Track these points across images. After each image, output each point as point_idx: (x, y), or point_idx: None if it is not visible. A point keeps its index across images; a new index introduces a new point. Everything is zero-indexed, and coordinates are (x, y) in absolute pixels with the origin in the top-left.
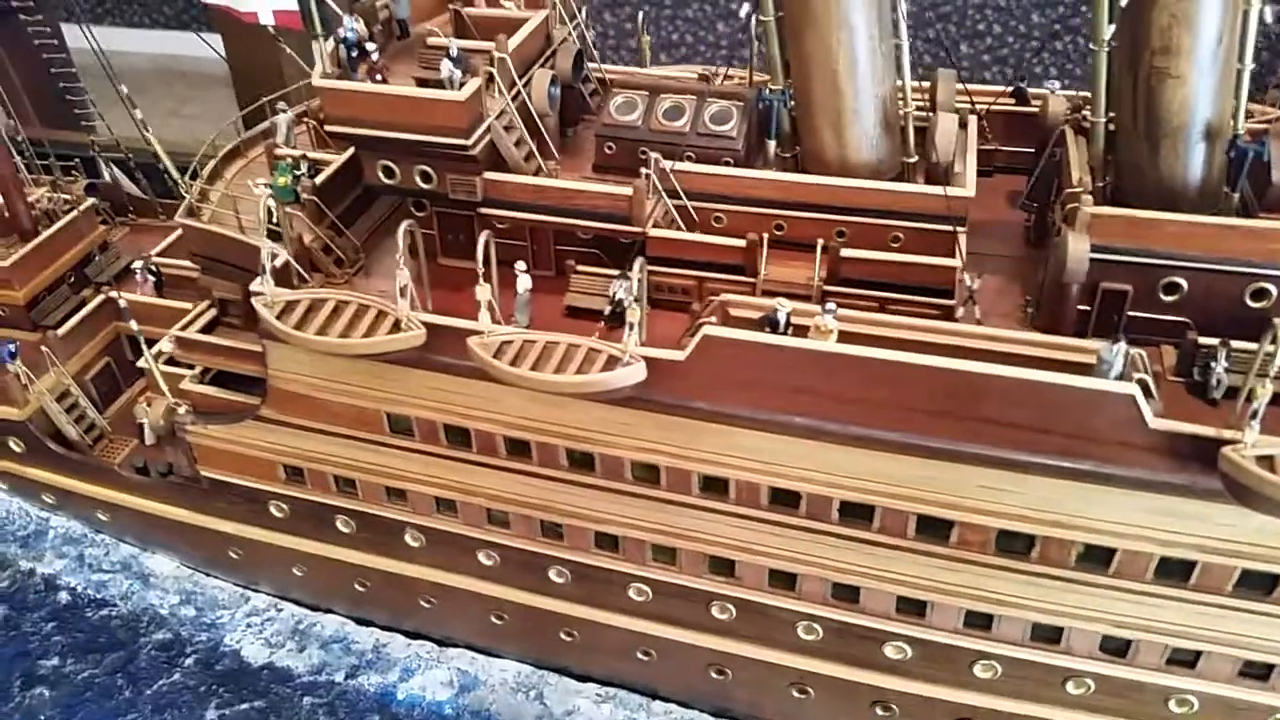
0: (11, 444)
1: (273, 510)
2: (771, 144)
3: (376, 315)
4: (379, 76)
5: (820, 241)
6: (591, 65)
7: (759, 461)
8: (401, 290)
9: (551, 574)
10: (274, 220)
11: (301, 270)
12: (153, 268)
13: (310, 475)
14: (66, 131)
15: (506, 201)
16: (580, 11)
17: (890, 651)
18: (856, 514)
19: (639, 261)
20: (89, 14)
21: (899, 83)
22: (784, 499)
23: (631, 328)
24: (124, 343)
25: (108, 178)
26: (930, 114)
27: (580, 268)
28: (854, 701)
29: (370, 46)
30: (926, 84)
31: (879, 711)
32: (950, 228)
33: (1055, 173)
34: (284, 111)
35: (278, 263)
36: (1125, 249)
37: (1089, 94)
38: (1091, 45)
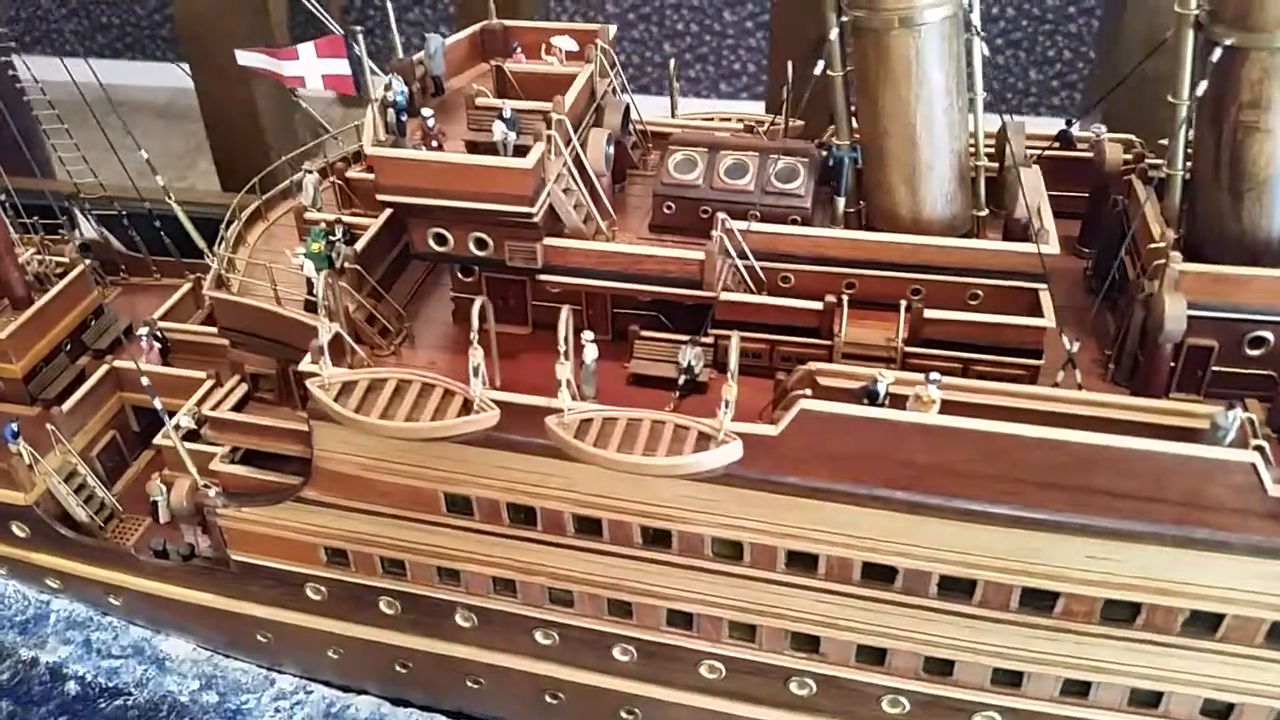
0: (15, 529)
1: (309, 593)
2: (840, 201)
3: (443, 395)
4: (435, 142)
5: (903, 302)
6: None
7: (853, 536)
8: (474, 369)
9: (615, 652)
10: (314, 290)
11: (354, 345)
12: (158, 333)
13: (355, 557)
14: (46, 181)
15: (568, 267)
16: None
17: None
18: (957, 588)
19: (734, 335)
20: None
21: (971, 135)
22: (878, 573)
23: (727, 405)
24: (129, 414)
25: (89, 232)
26: (994, 164)
27: (644, 333)
28: None
29: (427, 112)
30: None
31: None
32: (1033, 285)
33: (1118, 222)
34: (309, 172)
35: (326, 339)
36: (1211, 305)
37: (1136, 138)
38: (1171, 98)
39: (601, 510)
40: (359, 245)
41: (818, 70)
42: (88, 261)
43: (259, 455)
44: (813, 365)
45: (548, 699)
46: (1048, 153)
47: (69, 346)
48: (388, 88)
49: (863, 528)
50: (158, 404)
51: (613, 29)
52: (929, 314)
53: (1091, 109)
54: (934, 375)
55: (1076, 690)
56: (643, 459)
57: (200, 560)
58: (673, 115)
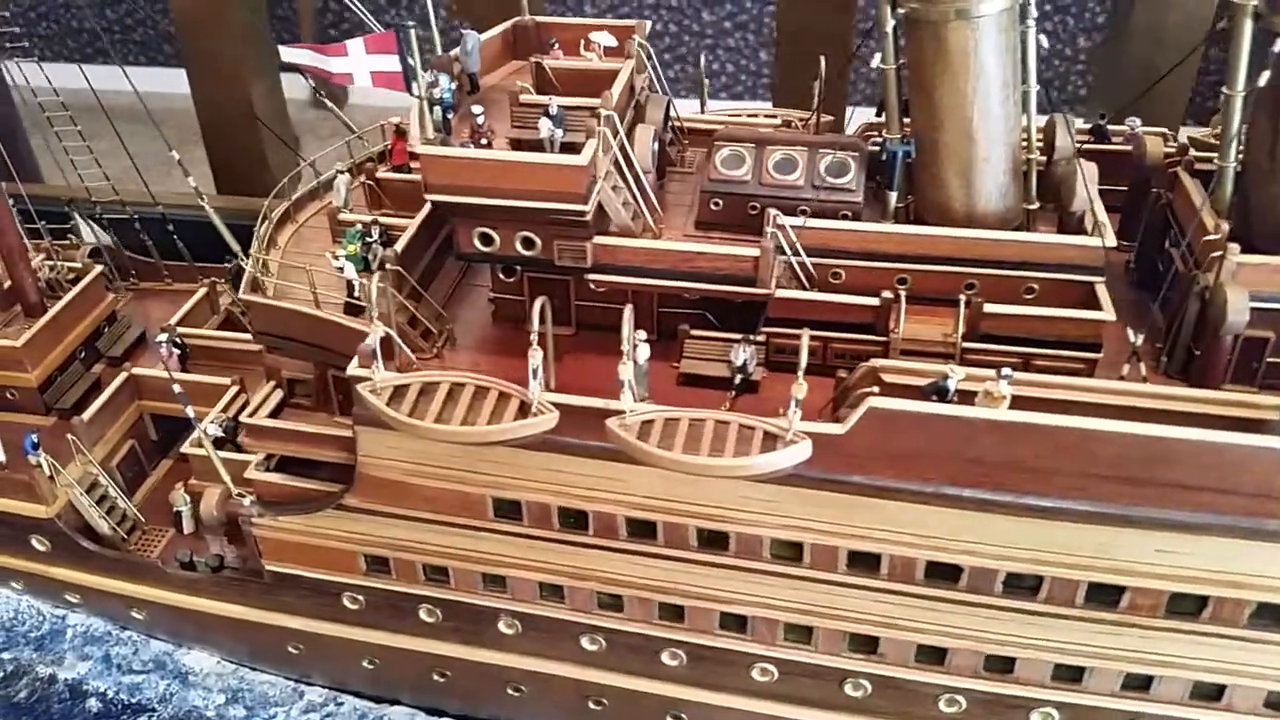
0: (35, 543)
1: (346, 602)
2: (893, 196)
3: (499, 398)
4: (484, 140)
5: (962, 297)
6: None
7: (918, 535)
8: (534, 371)
9: (664, 656)
10: (354, 294)
11: (405, 348)
12: (177, 339)
13: (396, 565)
14: (54, 186)
15: (618, 266)
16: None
17: (1037, 718)
18: (1022, 584)
19: (804, 333)
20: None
21: (1024, 128)
22: (942, 572)
23: (797, 404)
24: (147, 423)
25: (89, 237)
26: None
27: (694, 332)
28: None
29: (477, 109)
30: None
31: None
32: (1088, 278)
33: (1162, 215)
34: (340, 172)
35: (373, 343)
36: (1269, 296)
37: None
38: (1226, 90)
39: (657, 513)
40: (399, 246)
41: (875, 62)
42: (100, 267)
43: (290, 462)
44: (876, 362)
45: (590, 705)
46: (1084, 147)
47: (83, 354)
48: (433, 84)
49: (929, 526)
50: (190, 412)
51: (647, 24)
52: (989, 308)
53: (1130, 104)
54: (1006, 370)
55: (1138, 685)
56: (710, 460)
57: (231, 571)
58: (701, 111)
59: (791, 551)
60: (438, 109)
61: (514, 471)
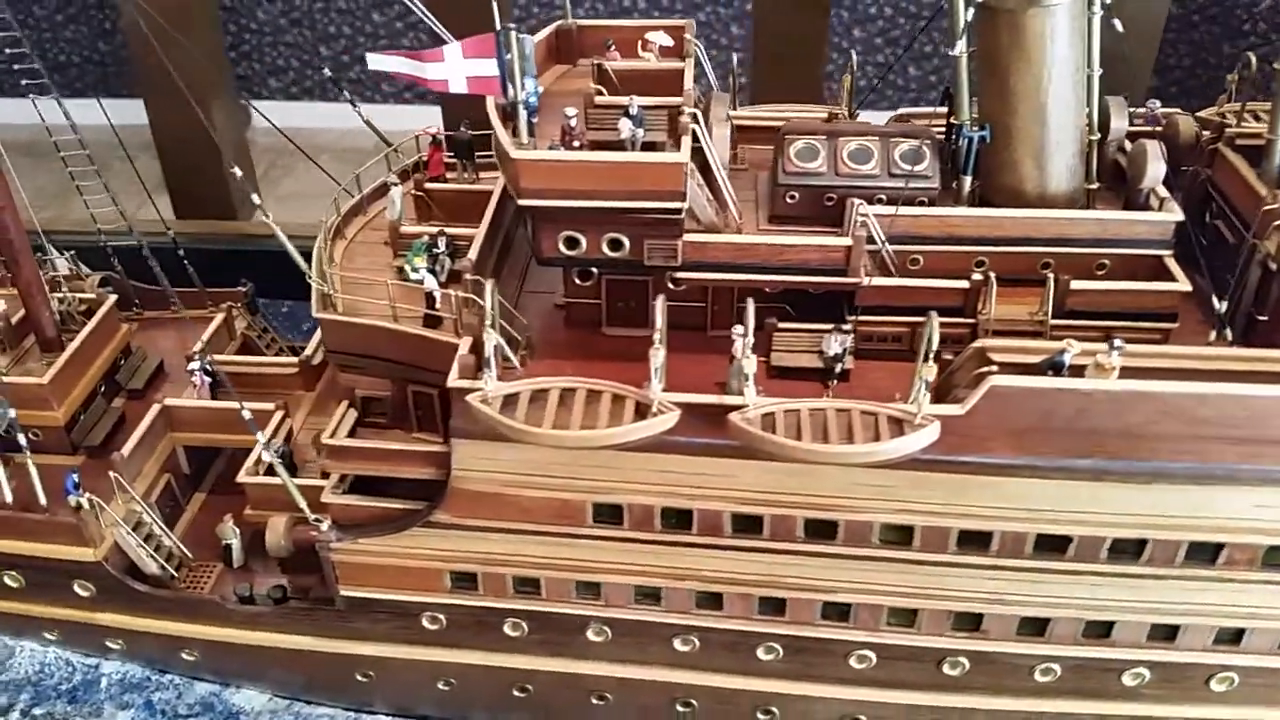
0: (78, 589)
1: (425, 623)
2: (967, 180)
3: (613, 400)
4: (577, 142)
5: (1050, 275)
6: None
7: (1030, 510)
8: (655, 371)
9: (760, 652)
10: (435, 306)
11: (510, 355)
12: (208, 366)
13: (485, 580)
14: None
15: (707, 263)
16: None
17: (1128, 680)
18: (1125, 549)
19: (932, 315)
20: None
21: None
22: (1050, 544)
23: (927, 386)
24: (180, 456)
25: (62, 268)
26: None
27: (782, 325)
28: None
29: (570, 111)
30: None
31: None
32: (1155, 252)
33: (1203, 190)
34: (395, 184)
35: (491, 350)
36: None
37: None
38: (1276, 65)
39: (764, 506)
40: (472, 255)
41: (957, 50)
42: (114, 297)
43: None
44: (983, 343)
45: (678, 708)
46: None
47: (103, 388)
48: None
49: (1042, 500)
50: (260, 438)
51: (694, 23)
52: (1075, 285)
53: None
54: (1118, 342)
55: (1229, 639)
56: (843, 448)
57: (300, 601)
58: (733, 108)
59: (900, 535)
60: (523, 113)
61: (619, 475)
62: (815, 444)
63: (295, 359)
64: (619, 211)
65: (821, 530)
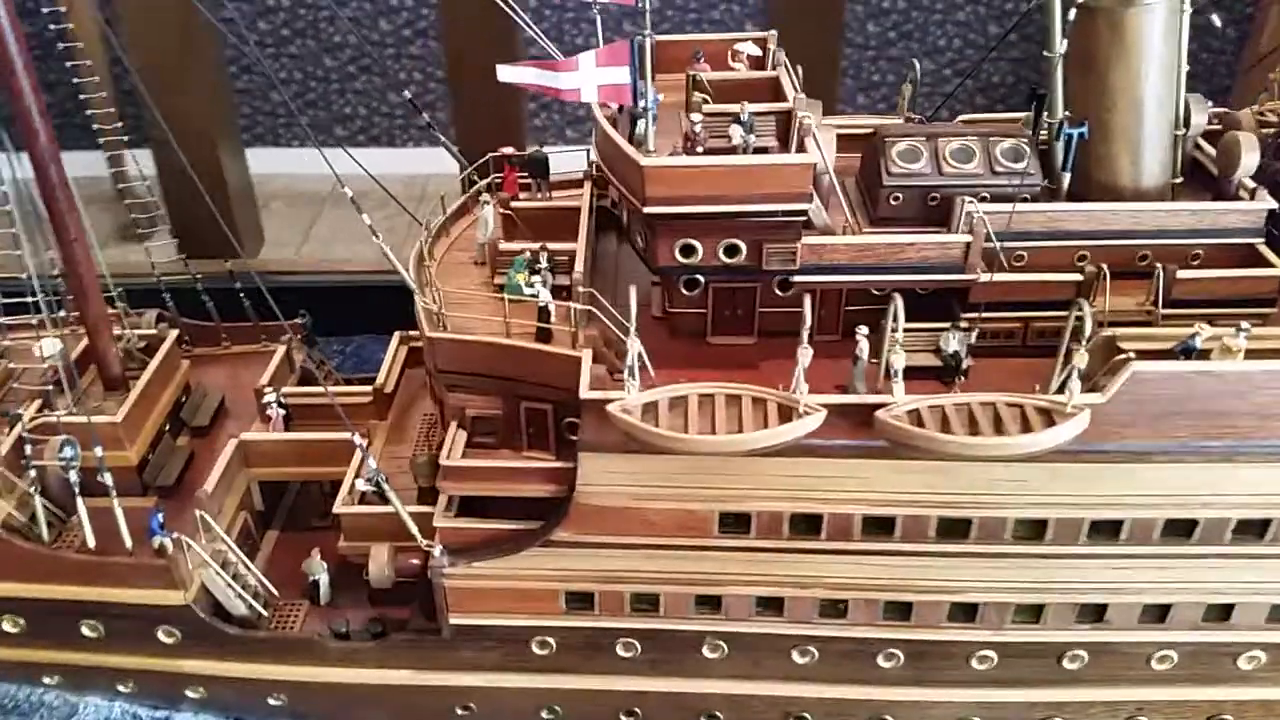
0: (161, 635)
1: (534, 648)
2: (1066, 177)
3: (754, 403)
4: (700, 148)
5: (1159, 266)
6: None
7: (1160, 495)
8: (801, 372)
9: (879, 659)
10: (549, 319)
11: (647, 364)
12: (281, 400)
13: (602, 599)
14: None
15: (824, 265)
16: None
17: (1244, 663)
18: (1250, 530)
19: (1084, 303)
20: None
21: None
22: (1177, 529)
23: (1079, 374)
24: (254, 492)
25: None
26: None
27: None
28: None
29: (696, 117)
30: None
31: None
32: (1246, 240)
33: (1271, 181)
34: (487, 203)
35: (634, 358)
36: None
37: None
38: None
39: (897, 507)
40: (580, 269)
41: (1057, 50)
42: (175, 332)
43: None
44: (1111, 332)
45: None
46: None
47: (168, 426)
48: (641, 95)
49: (1173, 484)
50: (371, 463)
51: (776, 33)
52: (1181, 274)
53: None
54: (1244, 325)
55: None
56: (1000, 440)
57: (404, 633)
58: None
59: (1033, 530)
60: (641, 122)
61: (749, 482)
62: (972, 437)
63: (369, 388)
64: (742, 216)
65: (954, 529)
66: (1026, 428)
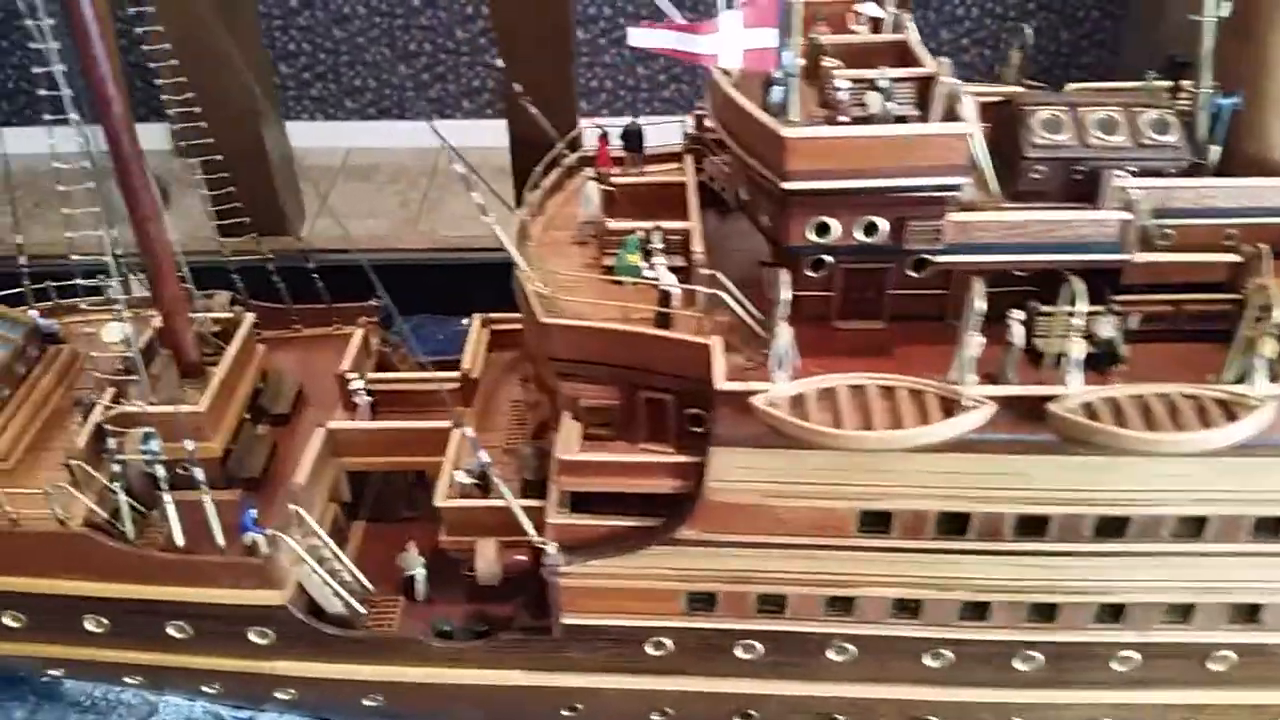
0: (253, 636)
1: (649, 649)
2: (1215, 150)
3: (910, 395)
4: (846, 117)
5: None
6: None
7: None
8: (970, 361)
9: (1016, 661)
10: (669, 303)
11: (796, 354)
12: (367, 387)
13: (725, 599)
14: None
15: (969, 244)
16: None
17: None
18: None
19: (1273, 284)
20: None
21: None
22: None
23: (1270, 363)
24: (343, 483)
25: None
26: None
27: (1044, 308)
28: None
29: (842, 84)
30: None
31: None
32: None
33: None
34: (591, 180)
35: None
36: None
37: None
38: None
39: (1053, 505)
40: (698, 248)
41: (1218, 13)
42: (251, 316)
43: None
44: None
45: None
46: None
47: (248, 415)
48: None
49: None
50: (483, 455)
51: None
52: None
53: None
54: None
55: None
56: (1193, 435)
57: (512, 632)
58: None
59: (1191, 528)
60: (777, 90)
61: (894, 479)
62: (1159, 434)
63: (456, 374)
64: (892, 191)
65: (1110, 528)
66: (1205, 421)
